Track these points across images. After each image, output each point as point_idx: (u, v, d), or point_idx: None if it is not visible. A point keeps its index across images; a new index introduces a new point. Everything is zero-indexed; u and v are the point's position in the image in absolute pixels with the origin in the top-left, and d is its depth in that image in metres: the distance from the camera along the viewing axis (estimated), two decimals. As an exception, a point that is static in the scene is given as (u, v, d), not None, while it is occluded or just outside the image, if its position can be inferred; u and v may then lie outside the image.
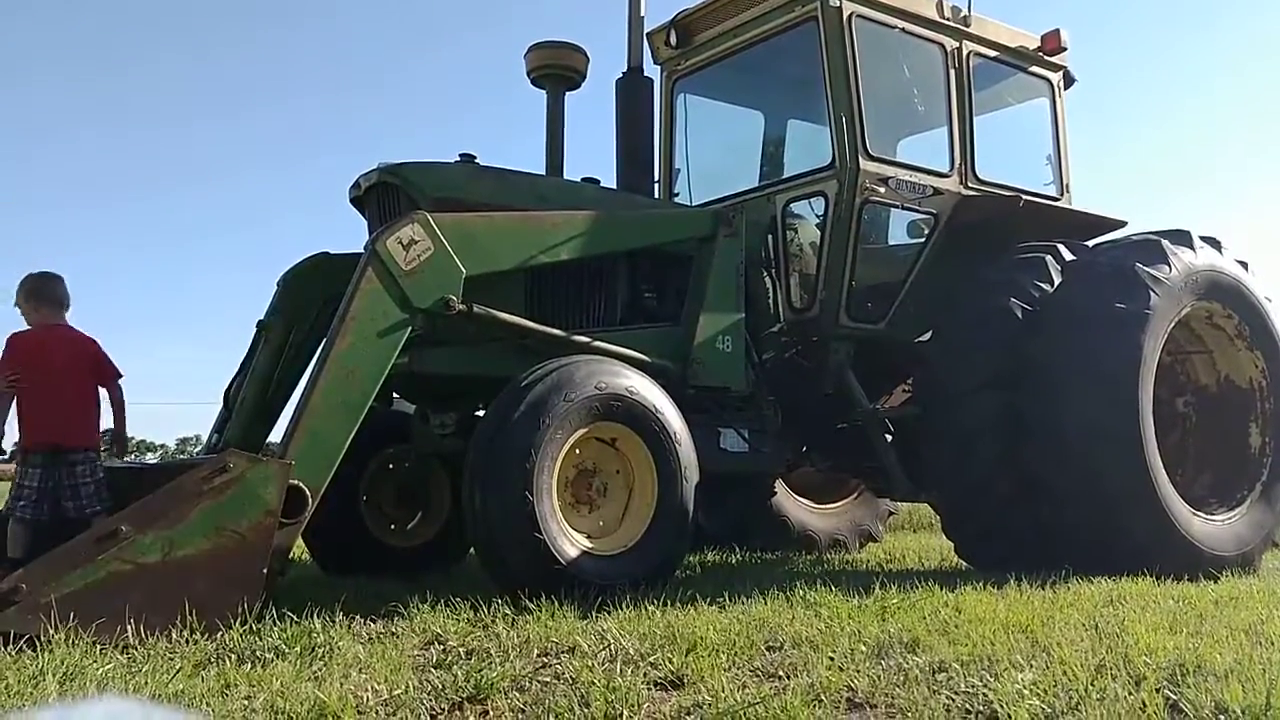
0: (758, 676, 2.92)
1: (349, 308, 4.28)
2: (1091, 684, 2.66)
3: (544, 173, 5.91)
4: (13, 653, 3.08)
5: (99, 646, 3.20)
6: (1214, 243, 6.36)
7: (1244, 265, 6.47)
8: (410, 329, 4.45)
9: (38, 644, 3.15)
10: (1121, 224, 7.01)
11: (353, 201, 5.53)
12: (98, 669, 2.90)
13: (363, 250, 4.58)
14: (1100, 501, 5.43)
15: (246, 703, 2.54)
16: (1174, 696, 2.55)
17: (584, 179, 5.85)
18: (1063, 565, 5.19)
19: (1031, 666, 2.90)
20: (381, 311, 4.36)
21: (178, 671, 2.89)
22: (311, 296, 5.48)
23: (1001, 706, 2.46)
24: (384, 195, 5.25)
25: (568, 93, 6.05)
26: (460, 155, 5.31)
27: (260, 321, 5.51)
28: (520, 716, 2.45)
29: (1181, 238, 6.14)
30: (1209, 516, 5.98)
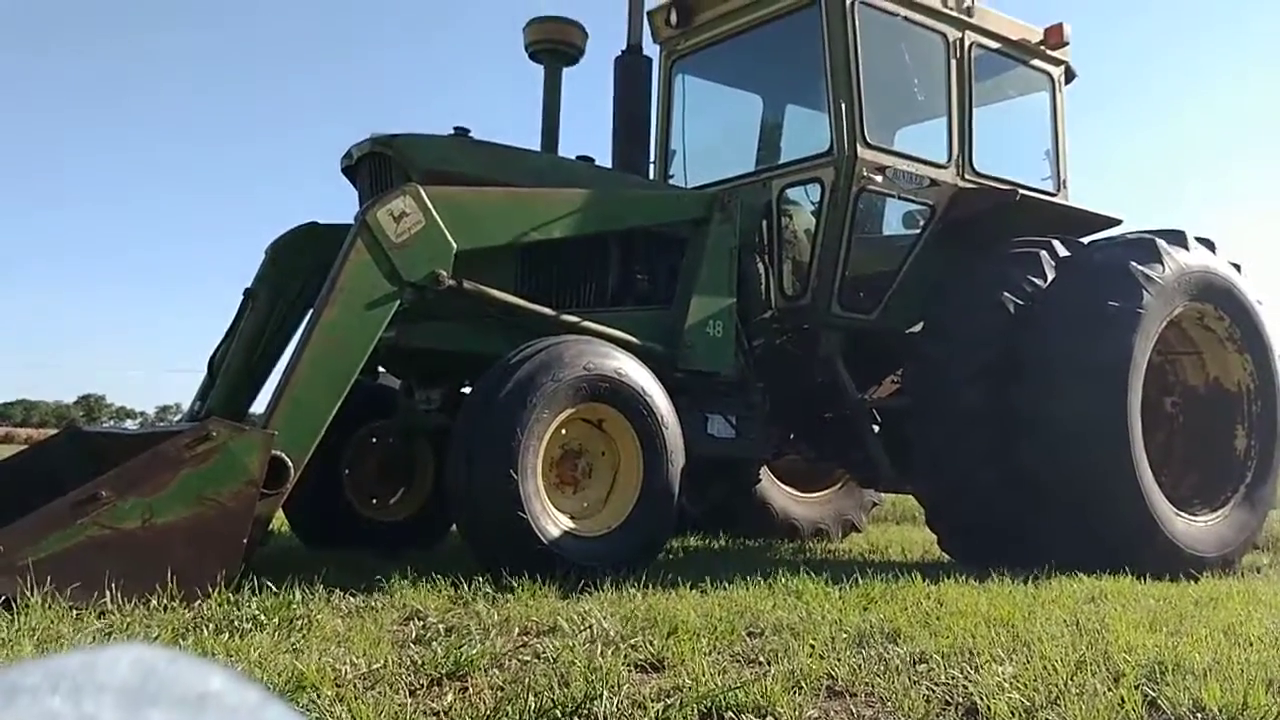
0: (738, 661, 2.91)
1: (337, 278, 4.25)
2: (1071, 679, 2.66)
3: (539, 149, 5.86)
4: (-13, 615, 3.05)
5: (76, 611, 3.17)
6: (1208, 244, 6.36)
7: (1237, 267, 6.47)
8: (398, 302, 4.41)
9: (14, 606, 3.12)
10: (1117, 221, 6.99)
11: (344, 171, 5.48)
12: (75, 634, 2.87)
13: (353, 221, 4.54)
14: (1085, 497, 5.44)
15: (222, 672, 2.51)
16: (1152, 694, 2.55)
17: (579, 157, 5.81)
18: (1045, 560, 5.19)
19: (1012, 660, 2.90)
20: (370, 283, 4.32)
21: (155, 639, 2.87)
22: (300, 266, 5.42)
23: (981, 699, 2.45)
24: (376, 166, 5.20)
25: (565, 69, 6.01)
26: (454, 128, 5.26)
27: (248, 289, 5.46)
28: (499, 694, 2.43)
29: (1176, 238, 6.13)
30: (1192, 517, 5.99)
